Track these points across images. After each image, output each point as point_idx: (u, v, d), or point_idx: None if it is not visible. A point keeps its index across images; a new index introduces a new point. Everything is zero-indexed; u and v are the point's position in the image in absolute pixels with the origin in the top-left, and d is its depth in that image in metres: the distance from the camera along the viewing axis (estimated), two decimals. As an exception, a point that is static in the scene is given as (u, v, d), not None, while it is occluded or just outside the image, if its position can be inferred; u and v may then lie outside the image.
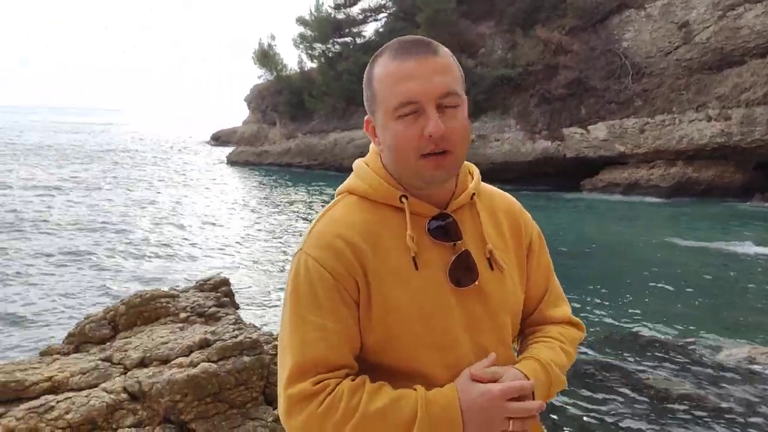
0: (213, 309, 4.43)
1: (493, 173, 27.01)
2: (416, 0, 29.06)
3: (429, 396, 1.26)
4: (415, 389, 1.27)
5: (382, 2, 34.56)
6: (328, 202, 1.47)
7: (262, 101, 37.16)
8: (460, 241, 1.38)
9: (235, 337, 3.82)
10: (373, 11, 34.69)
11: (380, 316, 1.30)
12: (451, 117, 1.30)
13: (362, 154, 1.52)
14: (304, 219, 18.73)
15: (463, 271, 1.36)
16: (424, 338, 1.32)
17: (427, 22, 28.57)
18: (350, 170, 1.48)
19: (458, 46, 29.08)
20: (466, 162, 1.53)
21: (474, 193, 1.45)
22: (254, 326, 4.50)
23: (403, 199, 1.36)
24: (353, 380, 1.28)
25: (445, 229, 1.37)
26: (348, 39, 33.93)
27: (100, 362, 3.91)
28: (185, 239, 14.95)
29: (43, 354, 4.69)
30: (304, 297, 1.30)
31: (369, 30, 35.45)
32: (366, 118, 1.41)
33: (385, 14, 34.63)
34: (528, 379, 1.31)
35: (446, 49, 1.38)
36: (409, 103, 1.28)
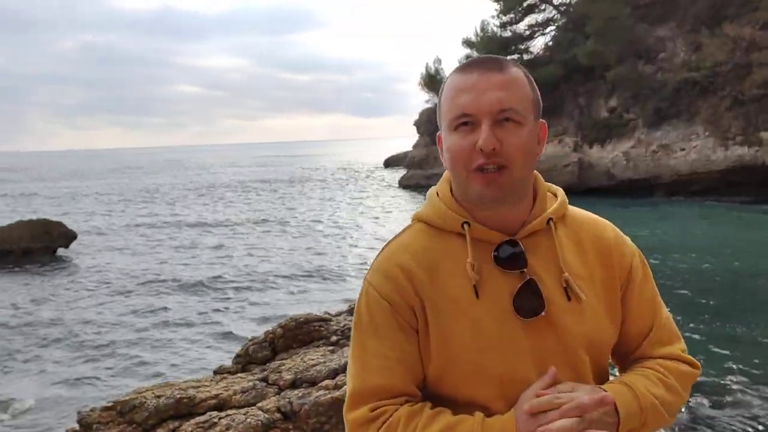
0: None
1: (677, 185, 24.94)
2: (587, 9, 27.97)
3: (487, 422, 1.22)
4: (473, 415, 1.24)
5: (550, 15, 33.74)
6: None
7: (430, 125, 37.86)
8: (526, 269, 1.30)
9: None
10: (541, 25, 33.96)
11: (438, 346, 1.27)
12: (510, 133, 1.24)
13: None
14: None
15: (528, 301, 1.28)
16: (484, 370, 1.26)
17: (597, 32, 27.36)
18: None
19: (635, 52, 27.47)
20: (550, 185, 1.43)
21: (551, 218, 1.36)
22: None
23: (465, 226, 1.32)
24: (412, 406, 1.26)
25: (512, 257, 1.30)
26: (515, 56, 33.52)
27: (258, 382, 4.19)
28: (355, 262, 15.60)
29: (216, 372, 5.13)
30: (365, 324, 1.31)
31: (537, 45, 34.62)
32: (437, 134, 1.39)
33: (553, 27, 33.76)
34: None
35: (519, 69, 1.31)
36: (464, 115, 1.25)
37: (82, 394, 7.79)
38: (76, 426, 4.78)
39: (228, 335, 10.02)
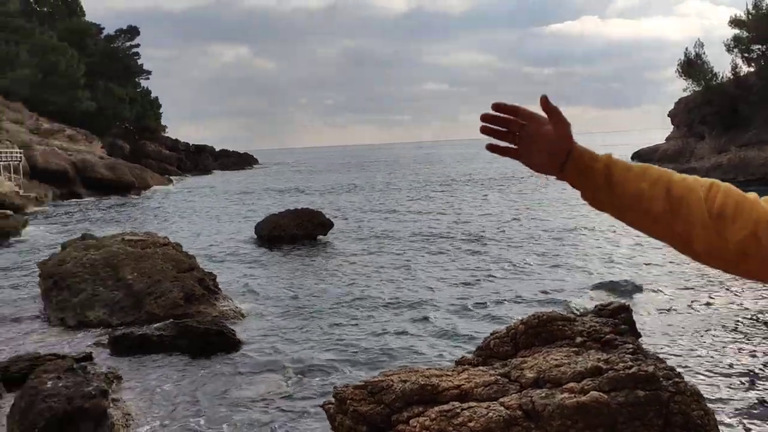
0: (610, 336, 4.29)
1: None
2: None
3: None
4: None
5: None
6: None
7: (688, 115, 34.39)
8: None
9: (629, 368, 3.61)
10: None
11: None
12: None
13: None
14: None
15: None
16: None
17: None
18: None
19: None
20: None
21: None
22: (656, 358, 4.19)
23: None
24: None
25: None
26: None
27: (499, 377, 4.18)
28: (616, 261, 14.79)
29: (458, 363, 5.24)
30: None
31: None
32: None
33: None
34: None
35: None
36: None
37: (338, 369, 8.53)
38: (332, 400, 5.24)
39: (468, 326, 10.19)
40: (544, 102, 1.12)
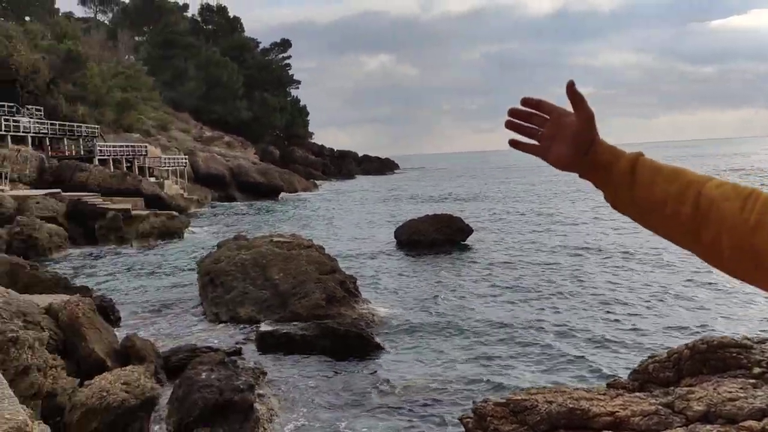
0: (797, 370, 3.71)
1: None
2: None
3: None
4: None
5: None
6: None
7: None
8: None
9: (825, 410, 3.08)
10: None
11: None
12: None
13: None
14: None
15: None
16: None
17: None
18: None
19: None
20: None
21: None
22: None
23: None
24: None
25: None
26: None
27: (660, 407, 3.76)
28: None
29: (609, 386, 4.83)
30: None
31: None
32: None
33: None
34: None
35: None
36: None
37: (476, 380, 8.29)
38: (471, 414, 5.04)
39: (617, 345, 9.52)
40: (570, 88, 1.05)
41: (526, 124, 1.12)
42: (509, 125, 1.13)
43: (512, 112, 1.13)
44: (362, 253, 19.77)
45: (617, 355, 9.07)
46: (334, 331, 9.68)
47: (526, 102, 1.11)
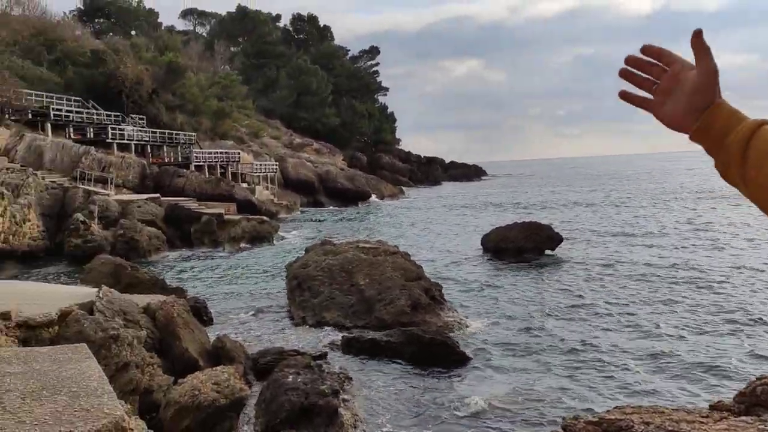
0: None
1: None
2: None
3: None
4: None
5: None
6: None
7: None
8: None
9: None
10: None
11: None
12: None
13: None
14: None
15: None
16: None
17: None
18: None
19: None
20: None
21: None
22: None
23: None
24: None
25: None
26: None
27: (771, 434, 3.46)
28: None
29: (712, 408, 4.51)
30: None
31: None
32: None
33: None
34: None
35: None
36: None
37: (564, 395, 8.00)
38: (560, 431, 4.84)
39: (720, 365, 8.94)
40: (696, 37, 0.93)
41: (642, 74, 1.02)
42: (623, 74, 1.03)
43: (629, 60, 1.03)
44: (447, 260, 19.62)
45: (720, 378, 8.49)
46: (419, 338, 9.62)
47: (646, 50, 1.01)
